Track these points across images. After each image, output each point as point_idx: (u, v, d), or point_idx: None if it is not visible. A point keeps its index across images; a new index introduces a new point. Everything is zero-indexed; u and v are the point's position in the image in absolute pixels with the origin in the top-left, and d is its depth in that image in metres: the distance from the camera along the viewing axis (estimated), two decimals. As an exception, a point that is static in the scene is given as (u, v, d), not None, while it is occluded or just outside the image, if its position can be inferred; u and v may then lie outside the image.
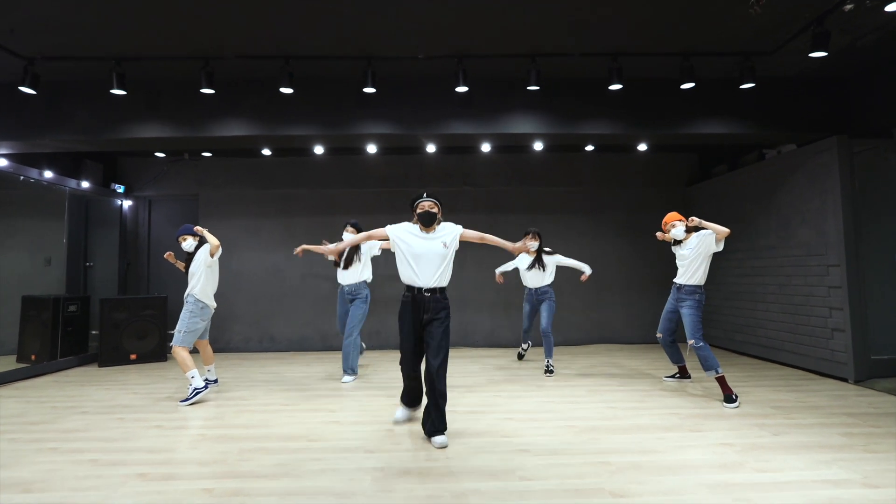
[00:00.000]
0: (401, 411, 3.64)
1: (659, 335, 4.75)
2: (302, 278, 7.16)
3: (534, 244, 5.18)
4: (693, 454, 2.94)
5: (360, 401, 4.24)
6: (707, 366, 4.13)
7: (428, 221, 3.34)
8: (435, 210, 3.37)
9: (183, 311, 4.32)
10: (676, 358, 4.79)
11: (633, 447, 3.06)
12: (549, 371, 5.19)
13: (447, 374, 3.30)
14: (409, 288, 3.36)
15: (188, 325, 4.26)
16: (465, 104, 4.83)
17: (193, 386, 4.22)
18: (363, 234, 3.70)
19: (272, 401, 4.28)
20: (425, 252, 3.29)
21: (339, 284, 5.15)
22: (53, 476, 2.72)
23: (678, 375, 4.89)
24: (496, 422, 3.60)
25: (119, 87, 4.21)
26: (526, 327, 5.65)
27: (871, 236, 4.93)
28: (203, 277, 4.36)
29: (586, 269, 5.40)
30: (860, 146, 4.92)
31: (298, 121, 4.80)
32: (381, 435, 3.34)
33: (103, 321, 6.16)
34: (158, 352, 6.33)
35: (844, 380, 4.75)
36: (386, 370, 5.52)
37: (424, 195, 3.43)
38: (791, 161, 5.43)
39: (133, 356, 6.21)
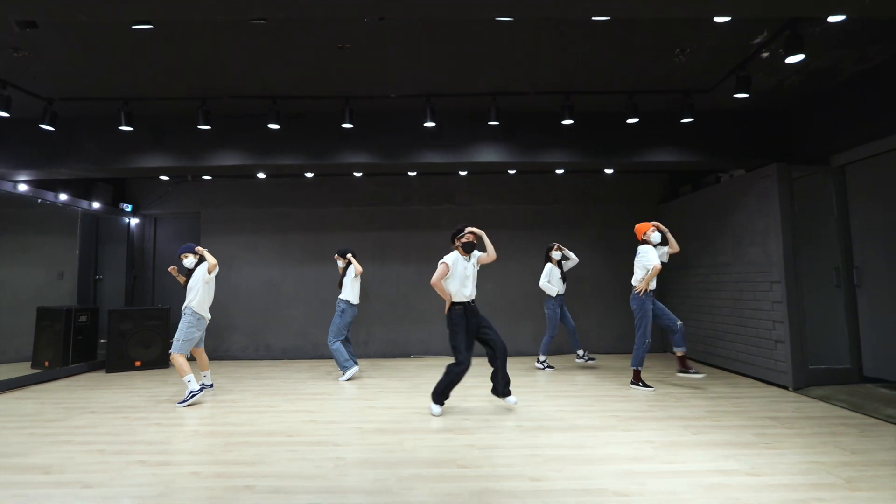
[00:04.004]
0: (438, 409, 4.32)
1: (680, 322, 5.30)
2: (295, 290, 7.67)
3: (558, 254, 6.24)
4: (615, 449, 3.39)
5: (339, 403, 4.73)
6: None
7: (471, 249, 4.36)
8: (473, 240, 4.37)
9: (181, 321, 4.84)
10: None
11: (568, 443, 3.52)
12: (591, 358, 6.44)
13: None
14: (461, 302, 4.30)
15: (186, 335, 4.77)
16: (436, 136, 5.36)
17: (189, 389, 4.72)
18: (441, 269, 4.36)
19: (260, 403, 4.77)
20: (471, 274, 4.34)
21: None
22: (67, 462, 3.22)
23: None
24: (454, 422, 4.07)
25: (127, 124, 4.78)
26: (572, 327, 6.39)
27: (810, 255, 5.37)
28: (201, 292, 4.88)
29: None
30: (799, 172, 5.39)
31: (286, 151, 5.36)
32: (350, 432, 3.82)
33: (111, 331, 6.69)
34: (162, 359, 6.85)
35: (785, 387, 5.17)
36: (369, 376, 6.00)
37: (465, 229, 4.38)
38: (741, 185, 5.90)
39: (138, 363, 6.73)
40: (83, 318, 6.77)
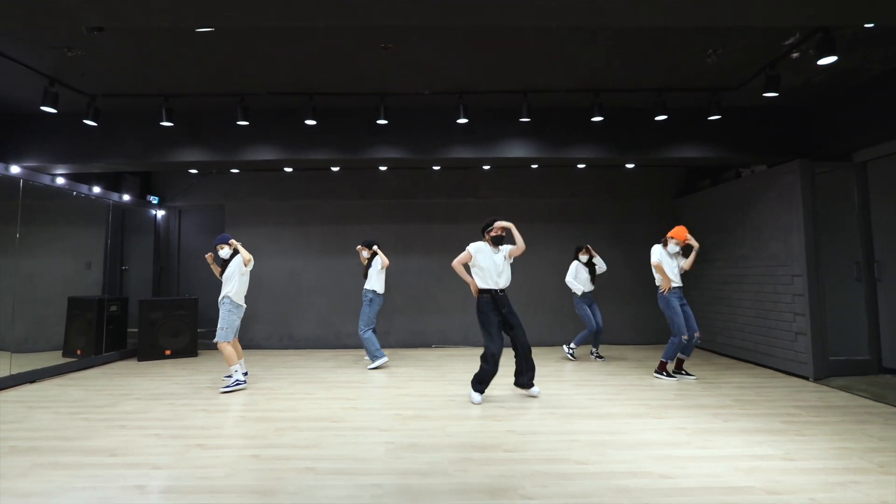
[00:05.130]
0: (477, 397, 4.47)
1: (697, 334, 5.37)
2: (319, 280, 7.82)
3: (585, 257, 6.42)
4: (651, 435, 3.54)
5: (373, 391, 4.89)
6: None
7: (499, 241, 4.49)
8: (502, 233, 4.49)
9: (221, 311, 4.99)
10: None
11: (602, 430, 3.67)
12: (571, 354, 6.51)
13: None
14: (489, 290, 4.43)
15: (227, 322, 4.94)
16: (467, 132, 5.47)
17: (235, 378, 4.90)
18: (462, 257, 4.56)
19: (297, 391, 4.93)
20: (502, 264, 4.46)
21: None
22: (130, 445, 3.39)
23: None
24: (492, 409, 4.22)
25: (167, 120, 4.90)
26: (598, 325, 6.47)
27: (831, 249, 5.49)
28: (237, 283, 5.04)
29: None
30: (822, 168, 5.49)
31: (319, 147, 5.48)
32: (391, 418, 3.98)
33: (142, 320, 6.85)
34: (190, 348, 7.02)
35: (805, 378, 5.31)
36: (396, 366, 6.16)
37: (494, 221, 4.49)
38: (763, 180, 6.00)
39: (168, 352, 6.90)
40: (114, 308, 6.93)
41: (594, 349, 6.63)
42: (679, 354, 5.41)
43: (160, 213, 7.96)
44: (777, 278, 5.79)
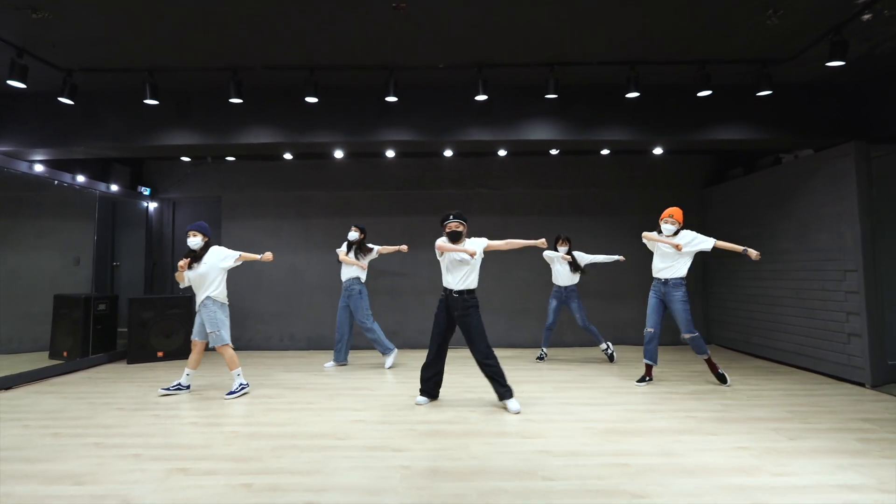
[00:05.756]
0: (420, 398, 4.22)
1: (651, 330, 4.84)
2: (320, 278, 7.32)
3: (564, 248, 5.88)
4: (710, 457, 3.03)
5: (382, 400, 4.38)
6: (702, 350, 4.73)
7: (455, 239, 4.02)
8: (460, 229, 4.02)
9: (207, 314, 4.46)
10: (654, 355, 4.87)
11: (652, 450, 3.15)
12: (609, 355, 5.98)
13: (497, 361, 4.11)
14: (446, 289, 4.09)
15: (220, 322, 4.45)
16: (484, 112, 4.93)
17: (238, 382, 4.53)
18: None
19: (297, 399, 4.43)
20: (459, 262, 4.02)
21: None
22: (101, 469, 2.89)
23: (648, 378, 4.95)
24: (515, 423, 3.71)
25: (152, 97, 4.38)
26: (551, 322, 6.01)
27: (889, 241, 4.95)
28: (221, 281, 4.56)
29: (614, 257, 6.11)
30: (878, 151, 4.94)
31: (322, 128, 4.95)
32: (405, 434, 3.47)
33: (132, 320, 6.36)
34: (184, 349, 6.52)
35: (861, 384, 4.78)
36: (408, 368, 5.65)
37: (451, 216, 4.06)
38: (808, 165, 5.46)
39: (160, 353, 6.42)
40: (102, 307, 6.45)
41: (544, 351, 6.19)
42: (653, 358, 4.91)
43: (152, 206, 7.46)
44: (825, 274, 5.25)
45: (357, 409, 4.12)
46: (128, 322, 6.42)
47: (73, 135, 4.94)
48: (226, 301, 4.59)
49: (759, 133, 5.04)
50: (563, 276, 5.93)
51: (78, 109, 4.87)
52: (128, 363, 6.26)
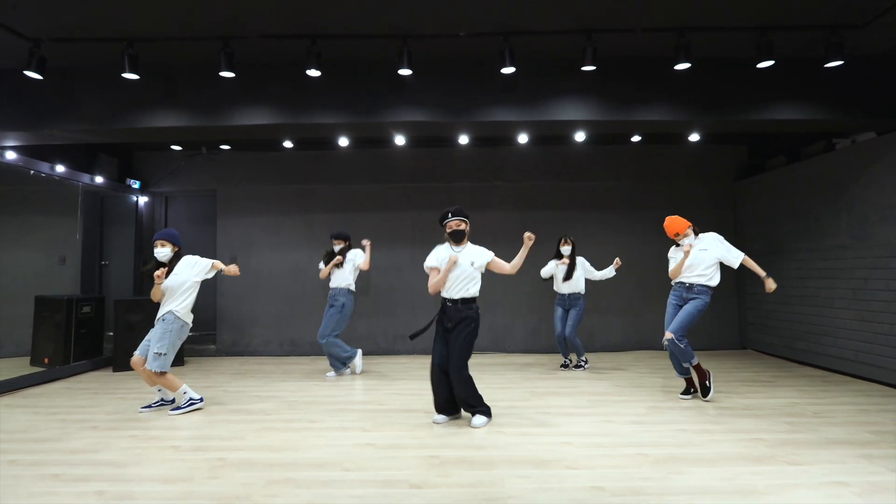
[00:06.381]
0: (438, 417, 3.70)
1: (671, 336, 4.17)
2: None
3: (568, 248, 5.36)
4: (802, 496, 2.46)
5: (393, 417, 3.82)
6: (687, 357, 4.10)
7: (458, 238, 3.59)
8: (462, 227, 3.59)
9: (160, 331, 3.86)
10: (685, 354, 4.15)
11: (728, 486, 2.58)
12: (580, 365, 5.53)
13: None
14: (444, 298, 3.61)
15: (171, 345, 3.87)
16: (509, 88, 4.37)
17: (189, 396, 3.99)
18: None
19: (297, 416, 3.88)
20: (461, 270, 3.52)
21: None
22: (53, 514, 2.34)
23: (693, 391, 4.35)
24: (554, 447, 3.15)
25: (131, 71, 3.83)
26: (560, 331, 5.47)
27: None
28: (192, 295, 3.97)
29: (608, 273, 5.46)
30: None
31: (326, 108, 4.39)
32: (424, 464, 2.91)
33: (118, 323, 5.86)
34: (176, 356, 5.98)
35: (937, 397, 4.20)
36: (418, 378, 5.09)
37: (451, 214, 3.63)
38: (869, 151, 4.87)
39: (149, 361, 5.87)
40: (86, 309, 5.93)
41: (567, 359, 5.63)
42: (684, 371, 4.28)
43: (143, 200, 6.92)
44: (891, 271, 4.67)
45: (365, 428, 3.56)
46: (114, 326, 5.89)
47: (45, 117, 4.39)
48: (188, 321, 3.98)
49: (820, 113, 4.45)
50: (562, 282, 5.41)
51: (50, 88, 4.33)
52: (113, 371, 5.75)
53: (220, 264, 4.01)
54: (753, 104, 4.42)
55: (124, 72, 3.82)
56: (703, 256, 4.13)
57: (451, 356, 3.47)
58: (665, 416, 3.82)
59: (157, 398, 4.14)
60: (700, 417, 3.76)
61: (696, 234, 4.24)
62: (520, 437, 3.33)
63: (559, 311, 5.48)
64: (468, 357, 3.52)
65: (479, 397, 3.59)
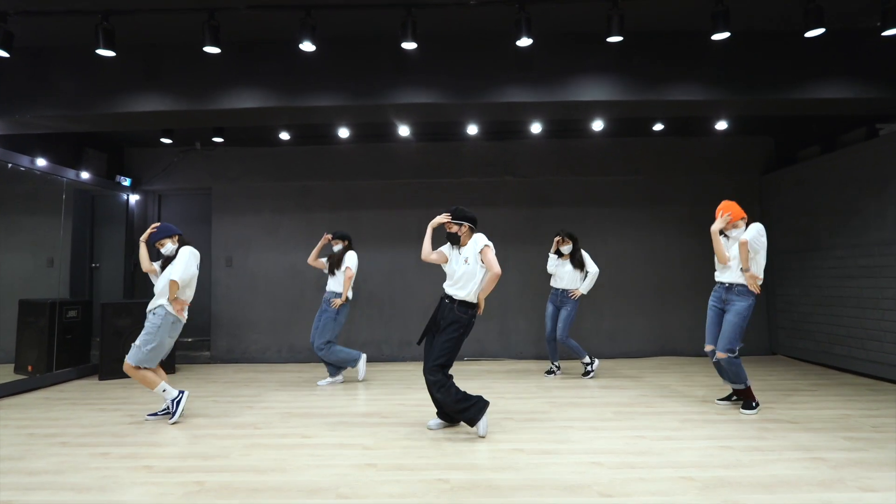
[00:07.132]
0: (433, 422, 3.50)
1: (712, 347, 3.80)
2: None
3: (567, 247, 5.01)
4: (894, 534, 2.02)
5: (398, 430, 3.40)
6: (740, 379, 3.71)
7: (453, 241, 3.44)
8: (454, 230, 3.41)
9: (149, 324, 3.58)
10: (738, 376, 3.76)
11: (797, 519, 2.15)
12: (588, 372, 5.08)
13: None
14: (441, 295, 3.48)
15: (158, 340, 3.55)
16: (525, 66, 3.96)
17: (170, 398, 3.63)
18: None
19: (290, 430, 3.47)
20: (459, 267, 3.37)
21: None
22: (-15, 556, 1.95)
23: (735, 398, 3.94)
24: (582, 469, 2.72)
25: (106, 47, 3.46)
26: (550, 331, 5.08)
27: None
28: (187, 290, 3.69)
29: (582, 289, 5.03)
30: None
31: (323, 88, 4.00)
32: (434, 488, 2.49)
33: (104, 328, 5.49)
34: (166, 363, 5.58)
35: None
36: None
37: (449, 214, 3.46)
38: (920, 136, 4.44)
39: (137, 368, 5.50)
40: (72, 314, 5.57)
41: (553, 364, 5.23)
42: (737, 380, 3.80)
43: (134, 198, 6.58)
44: (948, 269, 4.21)
45: (367, 446, 3.14)
46: (100, 331, 5.53)
47: (19, 102, 4.04)
48: (183, 318, 3.70)
49: (872, 91, 4.01)
50: (564, 276, 5.00)
51: (22, 70, 3.98)
52: (99, 379, 5.37)
53: (174, 293, 3.61)
54: (797, 81, 3.98)
55: (99, 48, 3.45)
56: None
57: (430, 356, 3.26)
58: (702, 430, 3.38)
59: (163, 406, 3.81)
60: (743, 432, 3.32)
61: (746, 226, 3.81)
62: (542, 457, 2.90)
63: (550, 309, 5.11)
64: (446, 360, 3.24)
65: (460, 400, 3.23)
